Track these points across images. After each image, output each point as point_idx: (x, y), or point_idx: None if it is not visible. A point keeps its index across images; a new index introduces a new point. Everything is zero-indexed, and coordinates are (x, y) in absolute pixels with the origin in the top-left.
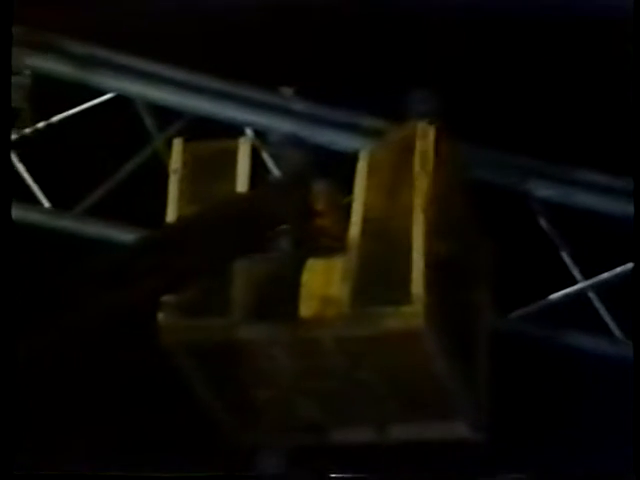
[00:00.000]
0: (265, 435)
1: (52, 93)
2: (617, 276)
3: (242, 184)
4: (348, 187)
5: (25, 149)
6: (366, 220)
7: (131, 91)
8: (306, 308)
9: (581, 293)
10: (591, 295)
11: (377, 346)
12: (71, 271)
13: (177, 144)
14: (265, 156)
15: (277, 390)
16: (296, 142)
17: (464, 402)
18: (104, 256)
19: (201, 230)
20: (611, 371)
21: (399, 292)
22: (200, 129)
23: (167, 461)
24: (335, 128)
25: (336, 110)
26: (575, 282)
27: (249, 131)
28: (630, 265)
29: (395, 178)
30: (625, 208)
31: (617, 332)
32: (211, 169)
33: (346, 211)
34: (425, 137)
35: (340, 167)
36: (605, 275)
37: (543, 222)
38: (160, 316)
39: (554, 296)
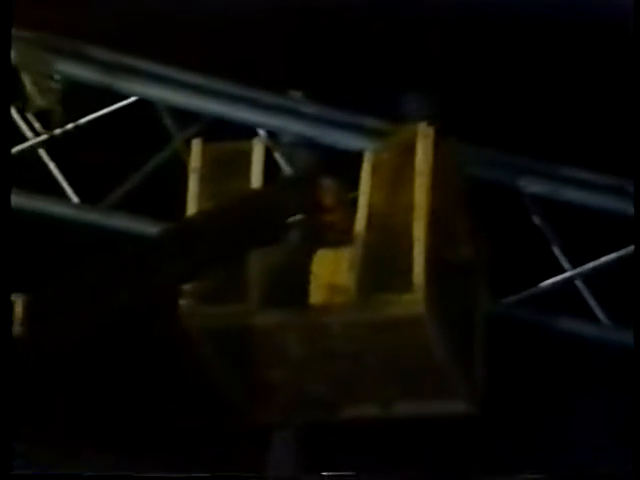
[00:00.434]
0: (278, 412)
1: (81, 97)
2: (602, 265)
3: (256, 181)
4: (354, 184)
5: (55, 148)
6: (371, 215)
7: (152, 95)
8: (316, 295)
9: (569, 281)
10: (578, 283)
11: (381, 331)
12: (99, 261)
13: (196, 145)
14: (277, 155)
15: (289, 371)
16: (306, 142)
17: (461, 381)
18: (130, 247)
19: (218, 223)
20: (595, 353)
21: (401, 281)
22: (217, 130)
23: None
24: (342, 129)
25: (342, 112)
26: (563, 271)
27: (262, 132)
28: (614, 255)
29: (398, 176)
30: (610, 203)
31: (602, 317)
32: (227, 168)
33: (352, 206)
34: (425, 138)
35: (346, 165)
36: (591, 264)
37: (534, 216)
38: (181, 302)
39: (544, 284)
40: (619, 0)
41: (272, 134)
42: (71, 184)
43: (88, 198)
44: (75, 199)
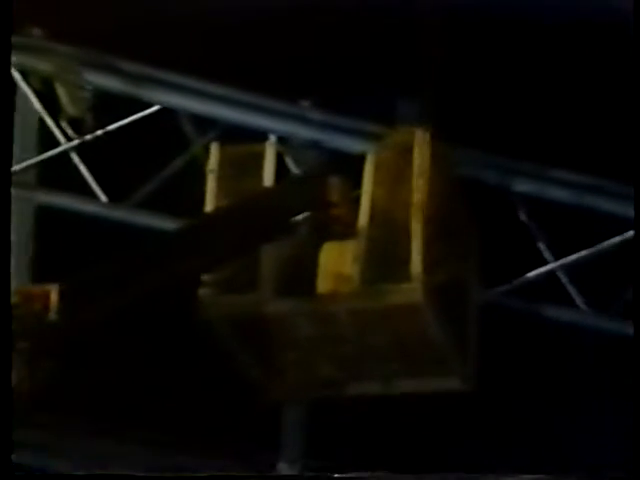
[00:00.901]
0: (291, 390)
1: (109, 106)
2: (582, 258)
3: (268, 181)
4: (357, 183)
5: (86, 152)
6: (373, 211)
7: (174, 103)
8: (323, 284)
9: (552, 272)
10: (560, 274)
11: (383, 317)
12: (127, 253)
13: (214, 148)
14: (287, 158)
15: (300, 354)
16: (313, 145)
17: (455, 361)
18: (154, 240)
19: (234, 219)
20: (574, 336)
21: (401, 272)
22: (232, 135)
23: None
24: (346, 133)
25: (346, 118)
26: (547, 263)
27: (273, 137)
28: (593, 249)
29: (397, 176)
30: (590, 201)
31: (581, 304)
32: (242, 169)
33: (356, 203)
34: (422, 142)
35: (350, 166)
36: (572, 257)
37: (521, 213)
38: (201, 291)
39: (530, 274)
40: (617, 1)
41: (282, 138)
42: (100, 184)
43: (115, 197)
44: (103, 198)
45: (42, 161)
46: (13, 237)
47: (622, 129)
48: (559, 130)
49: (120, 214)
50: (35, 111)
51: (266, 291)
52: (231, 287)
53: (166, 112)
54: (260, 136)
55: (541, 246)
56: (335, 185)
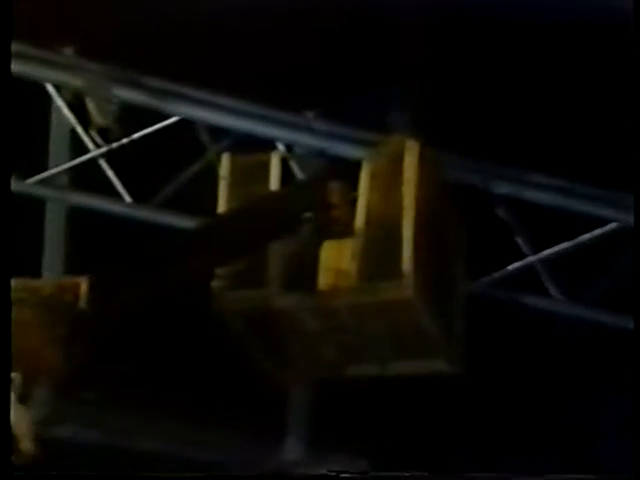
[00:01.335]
0: (297, 374)
1: (134, 117)
2: (557, 252)
3: (274, 186)
4: (355, 187)
5: (113, 158)
6: (368, 213)
7: (192, 115)
8: (323, 278)
9: (530, 265)
10: (537, 266)
11: (378, 310)
12: (148, 249)
13: (225, 158)
14: (292, 164)
15: (305, 343)
16: (316, 153)
17: (444, 346)
18: (173, 238)
19: (244, 219)
20: (550, 323)
21: (393, 270)
22: (243, 143)
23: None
24: (345, 141)
25: (345, 128)
26: (525, 257)
27: (280, 145)
28: (566, 244)
29: (390, 181)
30: (564, 202)
31: (556, 294)
32: (250, 176)
33: (353, 205)
34: (411, 151)
35: (349, 171)
36: (548, 251)
37: (501, 212)
38: (215, 284)
39: (510, 267)
40: (617, 1)
41: (289, 146)
42: (125, 187)
43: (139, 198)
44: (128, 199)
45: (73, 166)
46: (47, 235)
47: (615, 131)
48: (541, 135)
49: (143, 214)
50: (67, 121)
51: (273, 287)
52: (242, 283)
53: (184, 123)
54: (268, 144)
55: (520, 242)
56: (335, 189)
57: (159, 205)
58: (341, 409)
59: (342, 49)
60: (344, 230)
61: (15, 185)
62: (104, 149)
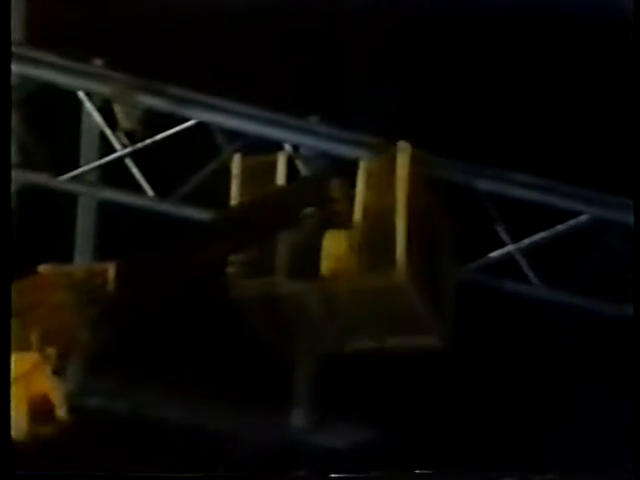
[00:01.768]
0: (303, 350)
1: (156, 120)
2: (535, 242)
3: (281, 183)
4: (353, 184)
5: (138, 157)
6: (365, 207)
7: (208, 119)
8: (325, 263)
9: (510, 253)
10: (517, 255)
11: (375, 295)
12: (169, 239)
13: (237, 158)
14: (298, 163)
15: (310, 323)
16: (319, 154)
17: (436, 325)
18: (190, 228)
19: (254, 212)
20: (527, 305)
21: (388, 258)
22: (254, 144)
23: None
24: (345, 143)
25: (346, 131)
26: (505, 245)
27: (287, 146)
28: (543, 234)
29: (385, 180)
30: (542, 198)
31: (533, 279)
32: (260, 173)
33: (352, 200)
34: (404, 151)
35: (348, 170)
36: (526, 241)
37: (484, 206)
38: (229, 270)
39: (492, 255)
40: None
41: (295, 147)
42: (149, 183)
43: (161, 193)
44: (151, 194)
45: (102, 164)
46: (79, 227)
47: (593, 132)
48: (521, 138)
49: (165, 207)
50: (97, 125)
51: (281, 275)
52: (253, 271)
53: (201, 126)
54: (276, 145)
55: (501, 232)
56: (336, 185)
57: (179, 199)
58: (343, 382)
59: (342, 54)
60: (344, 222)
61: (50, 182)
62: (129, 149)
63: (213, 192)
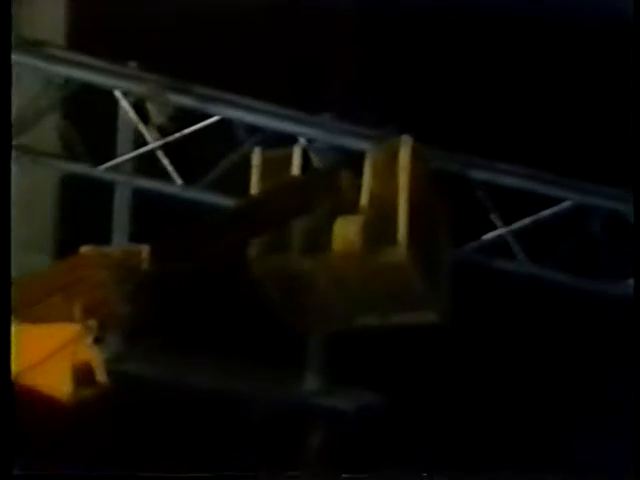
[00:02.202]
0: (313, 324)
1: (184, 116)
2: (525, 225)
3: (296, 173)
4: (360, 173)
5: (168, 150)
6: (371, 195)
7: (230, 115)
8: (335, 246)
9: (502, 236)
10: (507, 237)
11: (378, 272)
12: (197, 224)
13: (257, 151)
14: (312, 155)
15: (320, 298)
16: (331, 147)
17: (434, 302)
18: (217, 214)
19: (272, 199)
20: (517, 284)
21: (391, 239)
22: (272, 138)
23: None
24: (355, 137)
25: (356, 126)
26: (497, 228)
27: (302, 140)
28: (530, 218)
29: (388, 170)
30: (527, 184)
31: (522, 259)
32: (277, 165)
33: (359, 189)
34: (406, 144)
35: (356, 162)
36: (516, 224)
37: (478, 193)
38: (250, 251)
39: (485, 237)
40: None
41: (310, 141)
42: (177, 172)
43: (188, 181)
44: (179, 182)
45: (136, 156)
46: (115, 213)
47: (577, 126)
48: (511, 131)
49: (192, 194)
50: (131, 120)
51: (295, 252)
52: (270, 249)
53: (224, 121)
54: (293, 139)
55: (493, 217)
56: (345, 176)
57: (204, 188)
58: (351, 351)
59: (349, 53)
60: (352, 209)
61: (89, 171)
62: (161, 142)
63: (235, 181)
